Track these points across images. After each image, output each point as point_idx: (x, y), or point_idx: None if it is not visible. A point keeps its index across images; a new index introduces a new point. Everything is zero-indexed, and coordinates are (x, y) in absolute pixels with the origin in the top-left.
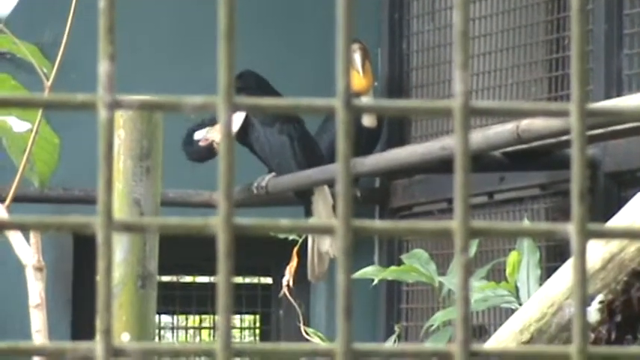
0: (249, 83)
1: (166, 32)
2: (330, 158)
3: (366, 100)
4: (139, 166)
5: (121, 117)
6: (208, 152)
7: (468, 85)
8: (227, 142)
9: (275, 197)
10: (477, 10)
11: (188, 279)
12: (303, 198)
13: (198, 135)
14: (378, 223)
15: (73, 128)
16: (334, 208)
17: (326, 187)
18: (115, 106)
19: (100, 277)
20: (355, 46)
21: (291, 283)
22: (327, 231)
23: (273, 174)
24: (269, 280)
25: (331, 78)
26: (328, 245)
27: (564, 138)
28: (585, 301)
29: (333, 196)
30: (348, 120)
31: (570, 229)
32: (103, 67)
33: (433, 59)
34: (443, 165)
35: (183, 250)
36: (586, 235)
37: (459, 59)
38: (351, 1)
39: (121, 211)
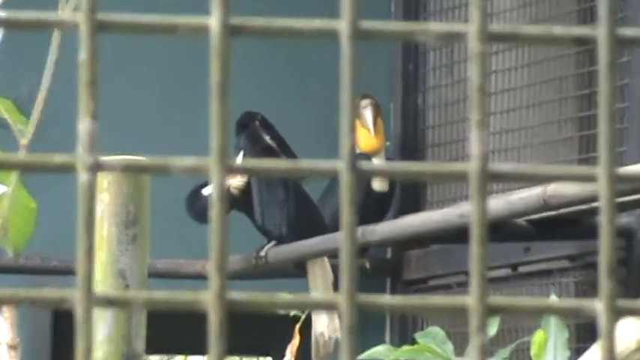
0: (252, 121)
1: (155, 84)
2: (337, 225)
3: (376, 161)
4: (125, 234)
5: (104, 179)
6: None
7: (486, 146)
8: (220, 208)
9: (277, 268)
10: (500, 63)
11: (179, 358)
12: (301, 270)
13: (207, 190)
14: (385, 298)
15: (51, 190)
16: (335, 282)
17: (325, 259)
18: (96, 168)
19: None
20: (366, 102)
21: None
22: (329, 306)
23: (274, 242)
24: None
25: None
26: (325, 326)
27: (596, 204)
28: None
29: (335, 268)
30: (353, 184)
31: (598, 306)
32: (84, 125)
33: (452, 116)
34: (462, 234)
35: (173, 326)
36: (616, 312)
37: (475, 117)
38: (357, 55)
39: (104, 283)
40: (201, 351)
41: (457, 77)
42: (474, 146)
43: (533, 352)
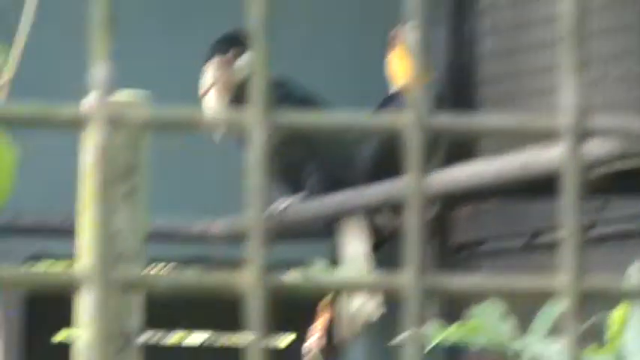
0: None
1: (160, 9)
2: (369, 175)
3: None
4: (119, 188)
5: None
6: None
7: (582, 96)
8: (260, 168)
9: (291, 228)
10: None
11: (178, 334)
12: (329, 231)
13: None
14: (459, 281)
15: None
16: (374, 247)
17: (362, 218)
18: (116, 124)
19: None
20: (413, 24)
21: (317, 347)
22: (390, 289)
23: (299, 195)
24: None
25: (367, 61)
26: (361, 304)
27: None
28: None
29: (375, 230)
30: (423, 144)
31: None
32: (99, 71)
33: (514, 43)
34: (525, 188)
35: (168, 301)
36: None
37: (569, 60)
38: None
39: (91, 249)
40: (205, 325)
41: None
42: (568, 95)
43: (611, 332)
